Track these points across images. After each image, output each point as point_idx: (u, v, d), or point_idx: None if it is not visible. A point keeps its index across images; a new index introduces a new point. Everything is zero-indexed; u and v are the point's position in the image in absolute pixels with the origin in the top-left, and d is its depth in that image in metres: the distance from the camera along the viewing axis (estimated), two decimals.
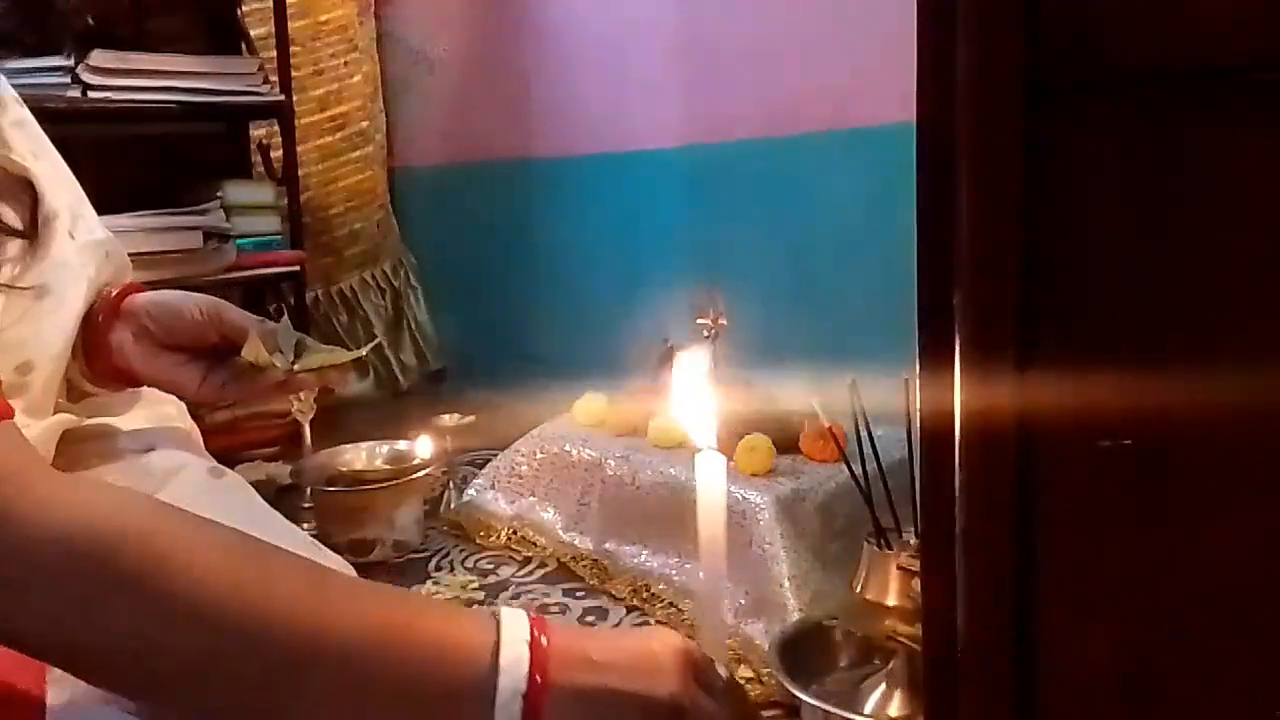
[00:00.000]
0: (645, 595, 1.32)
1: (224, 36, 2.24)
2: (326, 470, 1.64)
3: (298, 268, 2.20)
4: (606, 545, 1.40)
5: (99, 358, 0.72)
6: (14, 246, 0.68)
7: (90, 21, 1.96)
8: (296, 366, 0.63)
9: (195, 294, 0.73)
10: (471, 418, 1.72)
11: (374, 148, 2.58)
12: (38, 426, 0.62)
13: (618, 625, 1.31)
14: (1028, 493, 0.42)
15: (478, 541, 1.57)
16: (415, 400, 2.54)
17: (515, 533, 1.54)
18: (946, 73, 0.41)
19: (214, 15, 2.24)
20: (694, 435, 0.64)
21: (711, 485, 0.61)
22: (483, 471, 1.63)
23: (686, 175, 1.88)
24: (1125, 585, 0.41)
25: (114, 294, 0.74)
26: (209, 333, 0.71)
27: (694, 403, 0.65)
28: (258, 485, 1.77)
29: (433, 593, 1.42)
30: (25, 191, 0.69)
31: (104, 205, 2.00)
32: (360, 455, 1.68)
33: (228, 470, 0.74)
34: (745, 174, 1.76)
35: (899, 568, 0.90)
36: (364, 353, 0.65)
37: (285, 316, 0.65)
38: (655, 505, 1.33)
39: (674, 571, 1.29)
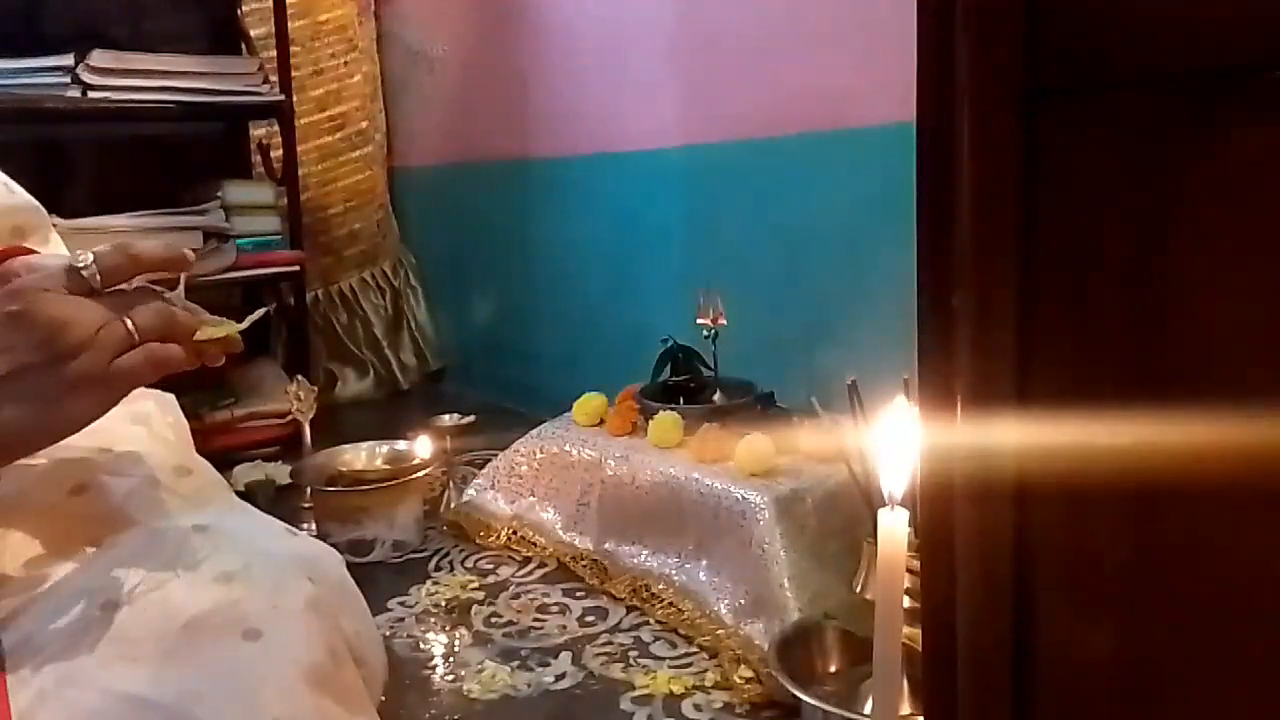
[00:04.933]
0: (645, 595, 1.32)
1: (224, 36, 2.24)
2: (326, 470, 1.64)
3: (297, 268, 2.20)
4: (606, 545, 1.40)
5: None
6: None
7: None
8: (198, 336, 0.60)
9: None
10: (471, 418, 1.72)
11: (373, 148, 2.58)
12: None
13: (617, 625, 1.31)
14: (1027, 492, 0.42)
15: (477, 541, 1.57)
16: (415, 400, 2.55)
17: (515, 533, 1.54)
18: (946, 73, 0.41)
19: (214, 15, 2.25)
20: (887, 485, 0.61)
21: (893, 543, 0.60)
22: (482, 471, 1.63)
23: (686, 175, 1.88)
24: (1123, 586, 0.41)
25: None
26: None
27: (894, 452, 0.61)
28: (258, 485, 1.79)
29: (432, 593, 1.42)
30: None
31: (104, 205, 2.02)
32: (360, 455, 1.69)
33: (195, 468, 0.72)
34: (744, 174, 1.76)
35: None
36: (246, 325, 0.62)
37: (181, 286, 0.60)
38: (654, 505, 1.33)
39: (673, 571, 1.29)
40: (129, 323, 0.52)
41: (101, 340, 0.51)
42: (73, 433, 0.53)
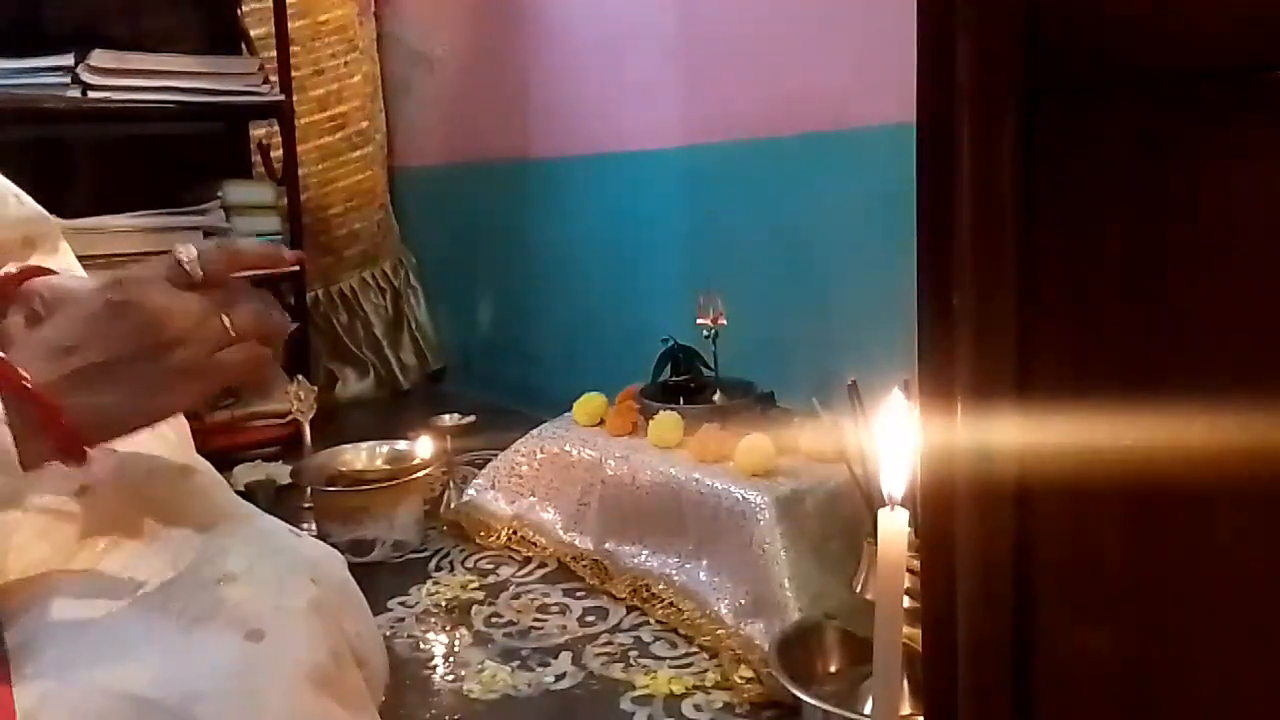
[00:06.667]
0: (645, 595, 1.32)
1: (224, 36, 2.24)
2: (326, 470, 1.64)
3: (297, 268, 2.19)
4: (606, 545, 1.40)
5: None
6: None
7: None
8: None
9: (104, 282, 0.61)
10: (471, 418, 1.72)
11: (374, 148, 2.58)
12: None
13: (618, 625, 1.31)
14: (1027, 493, 0.42)
15: (477, 541, 1.57)
16: (415, 400, 2.55)
17: (515, 533, 1.54)
18: (946, 73, 0.41)
19: (213, 15, 2.25)
20: (887, 485, 0.60)
21: (893, 543, 0.59)
22: (483, 471, 1.63)
23: (686, 175, 1.88)
24: (1123, 586, 0.41)
25: (14, 271, 0.64)
26: None
27: (894, 452, 0.60)
28: (258, 485, 1.79)
29: (433, 593, 1.42)
30: None
31: (104, 205, 2.02)
32: (360, 455, 1.69)
33: (196, 468, 0.72)
34: (744, 174, 1.76)
35: None
36: None
37: None
38: (655, 505, 1.33)
39: (674, 571, 1.29)
40: (227, 320, 0.53)
41: (201, 334, 0.52)
42: (164, 419, 0.55)
